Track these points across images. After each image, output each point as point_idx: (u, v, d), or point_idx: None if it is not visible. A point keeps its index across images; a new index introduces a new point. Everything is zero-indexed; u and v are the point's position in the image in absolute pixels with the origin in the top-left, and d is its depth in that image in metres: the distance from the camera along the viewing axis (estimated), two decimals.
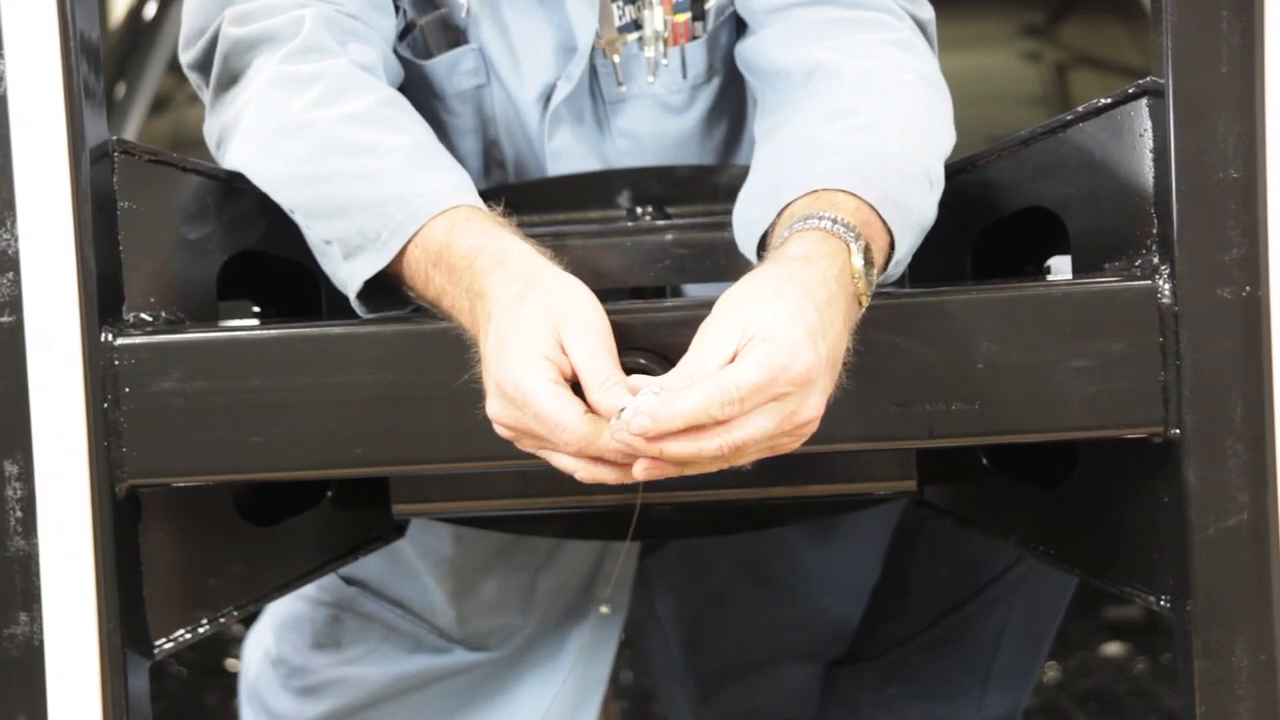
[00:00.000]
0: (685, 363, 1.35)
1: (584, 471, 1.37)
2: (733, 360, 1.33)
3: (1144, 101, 1.51)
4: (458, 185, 1.56)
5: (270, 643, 2.10)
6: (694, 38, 1.87)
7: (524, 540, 2.01)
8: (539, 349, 1.36)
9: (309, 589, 2.06)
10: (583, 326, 1.38)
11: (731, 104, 1.95)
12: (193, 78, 1.76)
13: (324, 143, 1.58)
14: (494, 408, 1.40)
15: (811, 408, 1.34)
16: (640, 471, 1.34)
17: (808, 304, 1.35)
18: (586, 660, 2.07)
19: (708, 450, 1.32)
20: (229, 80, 1.69)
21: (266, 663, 2.10)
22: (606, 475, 1.37)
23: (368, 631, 2.05)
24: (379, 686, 2.04)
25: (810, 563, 2.16)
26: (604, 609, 2.06)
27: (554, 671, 2.06)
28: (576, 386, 1.37)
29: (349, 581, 2.04)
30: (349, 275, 1.56)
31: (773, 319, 1.34)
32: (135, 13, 3.53)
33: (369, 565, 2.02)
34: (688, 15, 1.86)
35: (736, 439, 1.32)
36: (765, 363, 1.32)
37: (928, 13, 1.77)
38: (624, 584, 2.07)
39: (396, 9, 1.79)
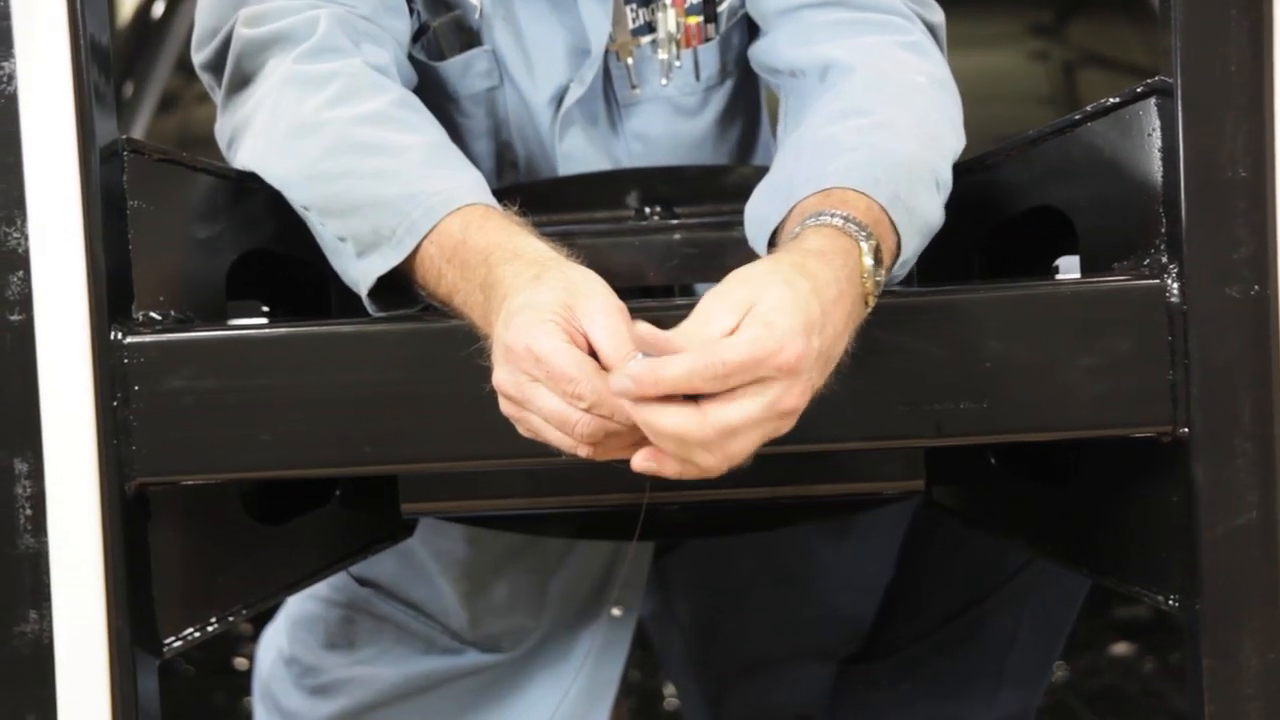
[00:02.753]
0: (685, 325, 1.34)
1: (584, 449, 1.37)
2: (733, 333, 1.33)
3: (1152, 101, 1.51)
4: (472, 185, 1.56)
5: (283, 642, 2.10)
6: (707, 40, 1.87)
7: (536, 542, 2.01)
8: (551, 316, 1.36)
9: (322, 589, 2.06)
10: (600, 303, 1.37)
11: (745, 106, 1.95)
12: (205, 78, 1.76)
13: (338, 142, 1.59)
14: (500, 374, 1.38)
15: (794, 396, 1.34)
16: (639, 462, 1.34)
17: (814, 298, 1.35)
18: (598, 662, 2.07)
19: (696, 433, 1.32)
20: (242, 81, 1.69)
21: (279, 662, 2.10)
22: (615, 449, 1.36)
23: (380, 632, 2.05)
24: (391, 686, 2.05)
25: (827, 561, 2.16)
26: (616, 611, 2.06)
27: (566, 673, 2.06)
28: None
29: (362, 582, 2.04)
30: (362, 273, 1.56)
31: (775, 303, 1.33)
32: (143, 12, 3.53)
33: (382, 566, 2.02)
34: (700, 18, 1.86)
35: (727, 421, 1.32)
36: (755, 344, 1.31)
37: (938, 16, 1.77)
38: (636, 586, 2.07)
39: (410, 11, 1.80)
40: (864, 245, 1.43)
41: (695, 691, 2.29)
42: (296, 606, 2.10)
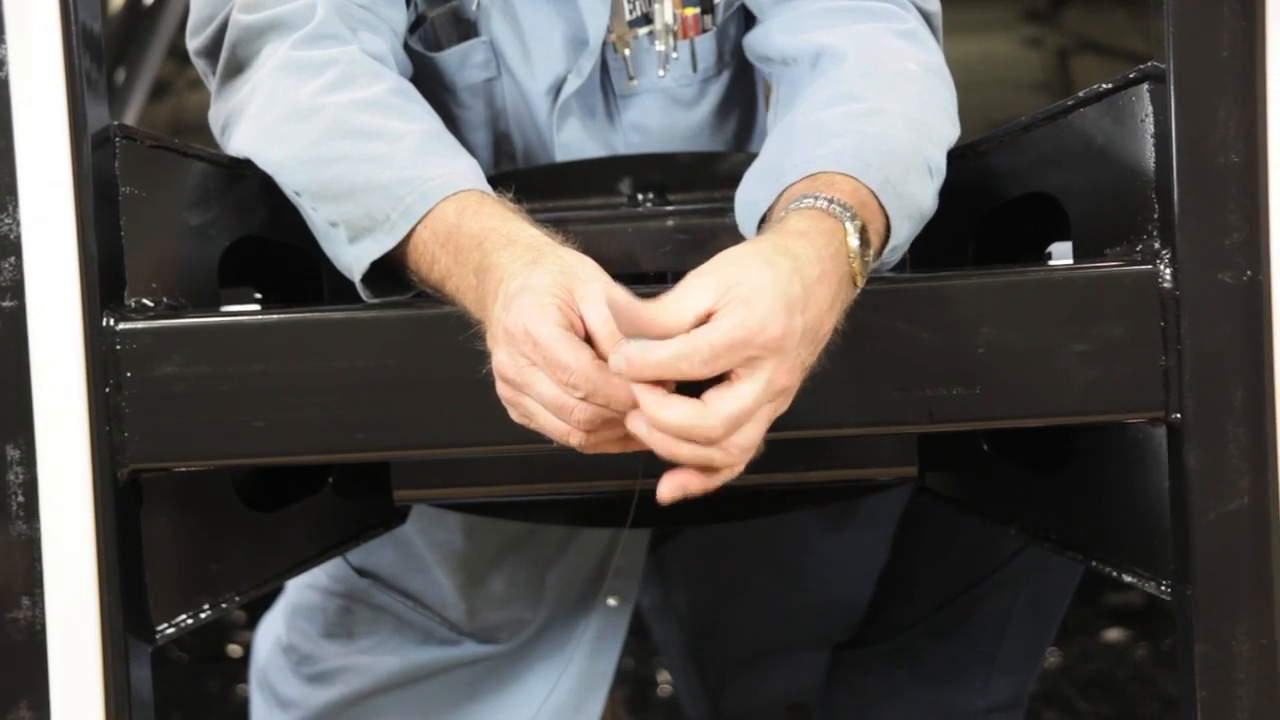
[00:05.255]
0: (663, 298, 1.34)
1: (576, 437, 1.37)
2: (709, 314, 1.33)
3: (1145, 86, 1.51)
4: (467, 171, 1.57)
5: (281, 631, 2.11)
6: (703, 31, 1.87)
7: (534, 534, 2.01)
8: (551, 300, 1.36)
9: (321, 579, 2.06)
10: (598, 288, 1.37)
11: (742, 97, 1.95)
12: (199, 64, 1.76)
13: (333, 126, 1.59)
14: (499, 357, 1.39)
15: (785, 373, 1.34)
16: (666, 494, 1.35)
17: (795, 277, 1.36)
18: (594, 652, 2.07)
19: (700, 424, 1.32)
20: (237, 67, 1.69)
21: (277, 650, 2.10)
22: (605, 442, 1.37)
23: (378, 623, 2.05)
24: (388, 675, 2.05)
25: (827, 552, 2.17)
26: (611, 601, 2.06)
27: (562, 663, 2.07)
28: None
29: (361, 573, 2.05)
30: (355, 258, 1.56)
31: (756, 283, 1.34)
32: None
33: (381, 557, 2.03)
34: (697, 9, 1.86)
35: (731, 412, 1.32)
36: (740, 324, 1.32)
37: (934, 6, 1.77)
38: (631, 575, 2.07)
39: (407, 2, 1.80)
40: (849, 226, 1.43)
41: (694, 682, 2.29)
42: (295, 596, 2.10)
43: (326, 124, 1.59)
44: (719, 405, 1.32)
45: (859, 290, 1.44)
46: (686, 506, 1.91)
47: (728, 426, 1.33)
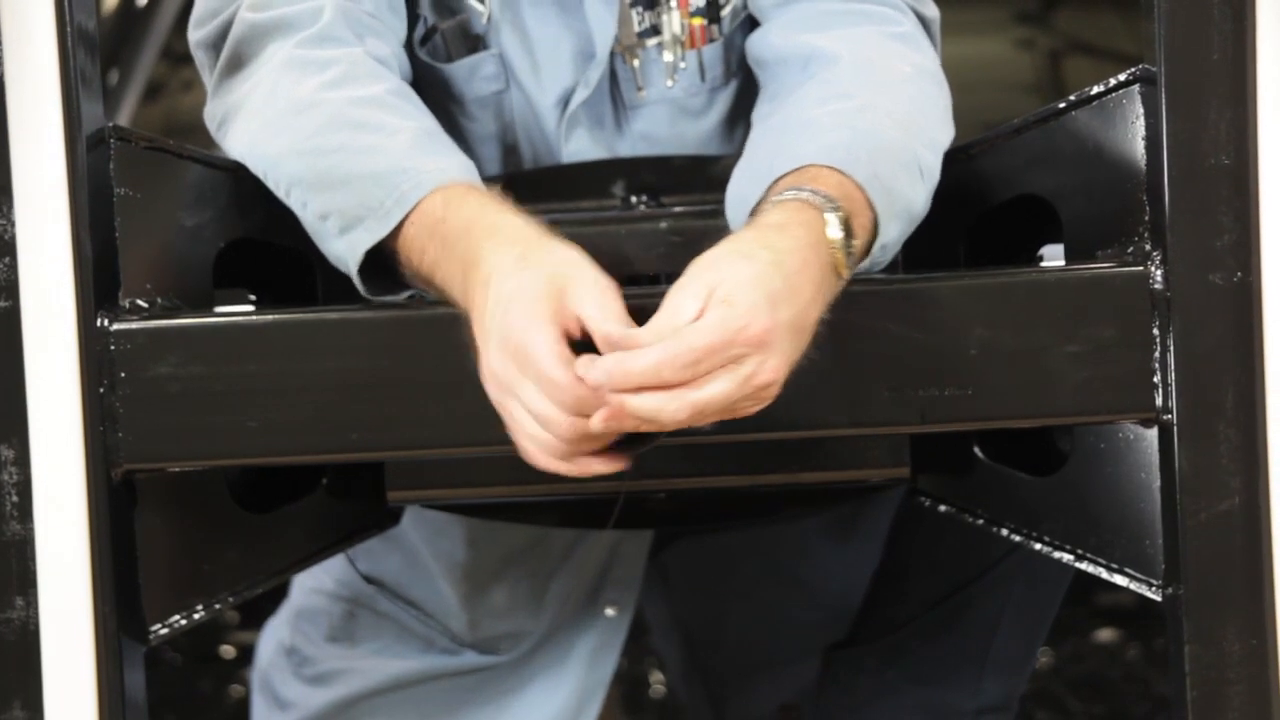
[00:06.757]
0: (654, 320, 1.36)
1: (543, 459, 1.39)
2: (699, 318, 1.34)
3: (1136, 89, 1.51)
4: (461, 166, 1.58)
5: (285, 634, 2.11)
6: (711, 40, 1.88)
7: (537, 544, 2.02)
8: (545, 306, 1.37)
9: (327, 583, 2.07)
10: (592, 286, 1.38)
11: (749, 107, 1.95)
12: (199, 56, 1.77)
13: (332, 119, 1.60)
14: (494, 361, 1.39)
15: (769, 370, 1.35)
16: (598, 421, 1.35)
17: (774, 270, 1.36)
18: (592, 662, 2.07)
19: (667, 410, 1.33)
20: (239, 63, 1.70)
21: (280, 652, 2.11)
22: (561, 467, 1.39)
23: (381, 629, 2.06)
24: (387, 678, 2.05)
25: (831, 563, 2.17)
26: (610, 611, 2.06)
27: (560, 674, 2.07)
28: (581, 346, 1.38)
29: (368, 579, 2.05)
30: (349, 248, 1.56)
31: (735, 281, 1.35)
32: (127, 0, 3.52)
33: (388, 564, 2.03)
34: (704, 19, 1.87)
35: (697, 400, 1.33)
36: (722, 324, 1.33)
37: (932, 11, 1.78)
38: (630, 585, 2.07)
39: (416, 16, 1.80)
40: (828, 216, 1.43)
41: (698, 693, 2.29)
42: (300, 599, 2.11)
43: (326, 117, 1.60)
44: (688, 396, 1.33)
45: (843, 282, 1.44)
46: (681, 509, 1.92)
47: (696, 413, 1.33)
